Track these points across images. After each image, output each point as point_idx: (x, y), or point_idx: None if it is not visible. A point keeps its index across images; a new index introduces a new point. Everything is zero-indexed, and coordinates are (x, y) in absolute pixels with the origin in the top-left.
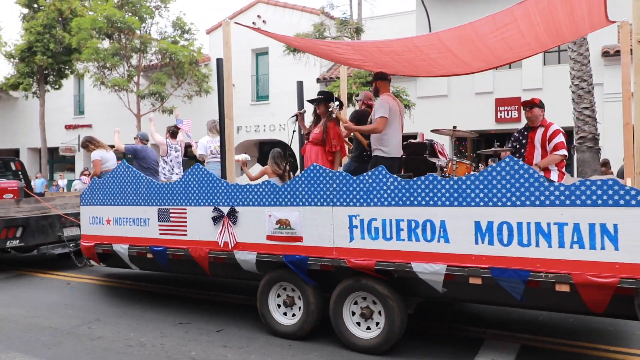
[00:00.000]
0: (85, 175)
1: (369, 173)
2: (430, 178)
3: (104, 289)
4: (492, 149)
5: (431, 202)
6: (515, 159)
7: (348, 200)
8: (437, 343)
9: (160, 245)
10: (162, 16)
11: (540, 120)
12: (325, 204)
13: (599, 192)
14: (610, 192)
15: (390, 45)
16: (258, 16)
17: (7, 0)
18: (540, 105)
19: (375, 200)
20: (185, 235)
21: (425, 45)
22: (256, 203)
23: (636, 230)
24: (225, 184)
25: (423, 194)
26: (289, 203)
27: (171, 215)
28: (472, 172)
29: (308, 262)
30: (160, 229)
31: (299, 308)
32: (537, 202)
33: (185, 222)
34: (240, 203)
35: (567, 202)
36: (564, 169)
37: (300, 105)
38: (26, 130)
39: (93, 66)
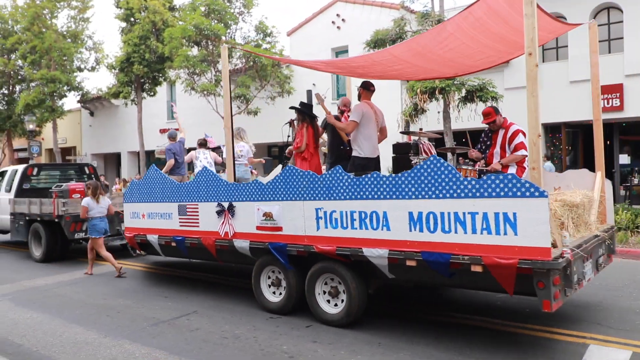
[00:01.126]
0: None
1: (330, 172)
2: (375, 175)
3: (198, 283)
4: (449, 147)
5: (376, 196)
6: (438, 158)
7: (314, 195)
8: (429, 329)
9: (180, 235)
10: (246, 21)
11: (501, 124)
12: (297, 198)
13: (502, 185)
14: (510, 185)
15: (360, 60)
16: (337, 15)
17: (108, 17)
18: (497, 112)
19: (335, 195)
20: (198, 226)
21: (384, 59)
22: (248, 199)
23: (531, 218)
24: (225, 183)
25: (370, 189)
26: (271, 198)
27: (187, 210)
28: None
29: (287, 248)
30: (180, 222)
31: (284, 288)
32: (455, 195)
33: (198, 215)
34: (237, 199)
35: (478, 194)
36: (524, 164)
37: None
38: (126, 135)
39: (184, 73)
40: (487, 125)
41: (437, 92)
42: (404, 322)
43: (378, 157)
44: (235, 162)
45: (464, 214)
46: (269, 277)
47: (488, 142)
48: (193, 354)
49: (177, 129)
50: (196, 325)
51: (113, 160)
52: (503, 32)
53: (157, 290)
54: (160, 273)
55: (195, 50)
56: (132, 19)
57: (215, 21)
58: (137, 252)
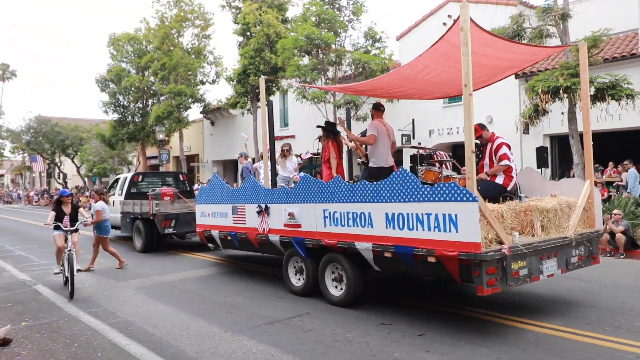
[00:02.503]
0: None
1: (332, 180)
2: (362, 183)
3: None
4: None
5: (363, 200)
6: (404, 170)
7: (322, 199)
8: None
9: (233, 231)
10: (355, 28)
11: (489, 138)
12: (311, 201)
13: (447, 191)
14: (453, 191)
15: (368, 85)
16: (449, 16)
17: (227, 32)
18: (482, 128)
19: (336, 199)
20: (245, 223)
21: (385, 83)
22: (278, 201)
23: (467, 218)
24: (262, 188)
25: (359, 194)
26: (294, 201)
27: (238, 210)
28: (438, 177)
29: (304, 241)
30: (233, 220)
31: (304, 274)
32: (416, 199)
33: (245, 215)
34: (271, 201)
35: (432, 198)
36: (512, 173)
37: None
38: (243, 143)
39: (295, 82)
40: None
41: (561, 91)
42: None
43: (392, 166)
44: (290, 174)
45: (422, 214)
46: (294, 267)
47: (479, 155)
48: (307, 354)
49: (241, 156)
50: (309, 327)
51: (231, 166)
52: (477, 61)
53: (272, 291)
54: (271, 274)
55: (306, 60)
56: (248, 33)
57: (326, 30)
58: (211, 246)
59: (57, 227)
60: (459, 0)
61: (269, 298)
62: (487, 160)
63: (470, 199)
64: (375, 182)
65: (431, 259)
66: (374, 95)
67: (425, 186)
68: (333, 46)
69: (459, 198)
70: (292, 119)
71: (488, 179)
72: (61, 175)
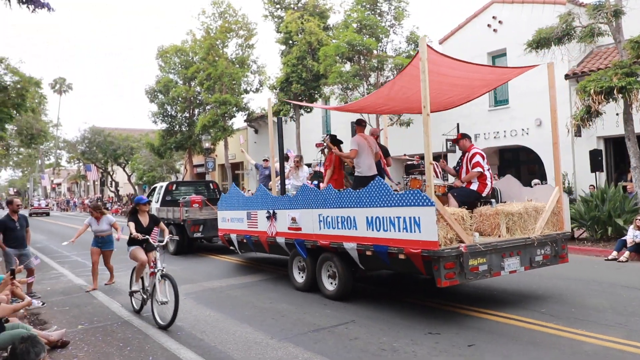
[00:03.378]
0: None
1: (325, 189)
2: (348, 191)
3: (354, 292)
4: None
5: (349, 205)
6: (380, 179)
7: (318, 204)
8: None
9: (248, 234)
10: (397, 33)
11: (466, 148)
12: (309, 207)
13: (412, 197)
14: (417, 197)
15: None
16: (493, 17)
17: (269, 42)
18: (464, 137)
19: (328, 204)
20: (257, 227)
21: (371, 103)
22: (283, 207)
23: (427, 220)
24: (271, 196)
25: (346, 201)
26: (295, 207)
27: (251, 215)
28: (422, 186)
29: (304, 243)
30: (247, 224)
31: (305, 272)
32: (388, 204)
33: (257, 219)
34: (278, 207)
35: (400, 204)
36: (486, 181)
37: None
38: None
39: (337, 88)
40: None
41: (615, 91)
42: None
43: (375, 174)
44: (301, 182)
45: (393, 217)
46: (298, 266)
47: (460, 163)
48: None
49: (265, 160)
50: (355, 335)
51: None
52: (450, 82)
53: (316, 298)
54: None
55: (347, 66)
56: (290, 42)
57: (367, 36)
58: (232, 248)
59: (132, 242)
60: (504, 1)
61: (314, 305)
62: (464, 168)
63: (429, 203)
64: (358, 190)
65: (401, 256)
66: (365, 112)
67: (395, 193)
68: (375, 52)
69: (420, 203)
70: (335, 126)
71: (463, 185)
72: (113, 183)
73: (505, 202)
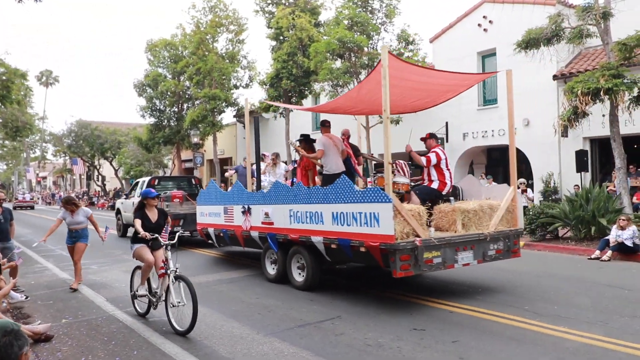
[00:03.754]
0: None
1: (296, 185)
2: (317, 188)
3: (341, 289)
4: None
5: (316, 201)
6: (345, 177)
7: (288, 200)
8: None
9: (225, 229)
10: (388, 31)
11: (431, 147)
12: (280, 202)
13: (372, 195)
14: (376, 195)
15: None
16: (484, 17)
17: (260, 37)
18: (431, 137)
19: (298, 200)
20: (233, 222)
21: (343, 104)
22: (257, 202)
23: (385, 216)
24: (246, 192)
25: (314, 197)
26: (269, 202)
27: (228, 210)
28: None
29: (276, 236)
30: (224, 219)
31: (277, 265)
32: (351, 201)
33: (233, 214)
34: (252, 203)
35: (362, 200)
36: (446, 180)
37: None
38: (275, 146)
39: (328, 85)
40: None
41: (602, 92)
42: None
43: (342, 172)
44: (279, 179)
45: (356, 213)
46: (270, 258)
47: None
48: (338, 357)
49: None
50: (341, 330)
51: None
52: (412, 86)
53: (303, 294)
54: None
55: (338, 63)
56: (281, 38)
57: (358, 33)
58: (210, 242)
59: (137, 240)
60: (495, 1)
61: (301, 301)
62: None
63: (387, 200)
64: (325, 187)
65: (362, 249)
66: (336, 113)
67: (357, 190)
68: (365, 49)
69: (379, 200)
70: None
71: (433, 186)
72: (100, 177)
73: (465, 200)
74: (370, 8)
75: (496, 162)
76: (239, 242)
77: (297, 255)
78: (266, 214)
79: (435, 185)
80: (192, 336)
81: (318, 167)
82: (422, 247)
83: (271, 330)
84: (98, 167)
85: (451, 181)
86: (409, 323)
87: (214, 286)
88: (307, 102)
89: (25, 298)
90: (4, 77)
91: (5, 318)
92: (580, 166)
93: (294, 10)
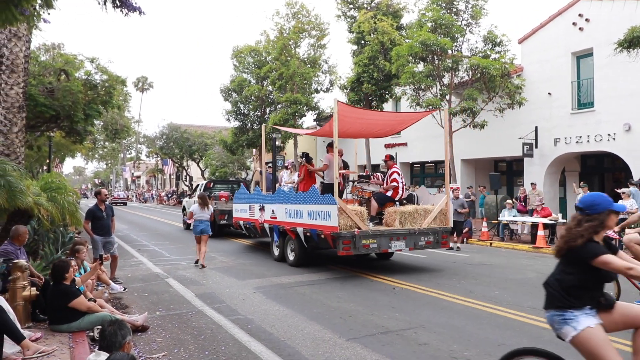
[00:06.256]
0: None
1: (289, 191)
2: (300, 193)
3: (423, 297)
4: (366, 179)
5: (300, 202)
6: (314, 187)
7: (285, 201)
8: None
9: (249, 221)
10: (473, 32)
11: (389, 166)
12: (281, 202)
13: (327, 199)
14: (328, 199)
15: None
16: (579, 15)
17: (341, 42)
18: (390, 159)
19: (291, 201)
20: (254, 216)
21: (331, 130)
22: (268, 202)
23: (333, 213)
24: (262, 194)
25: (299, 199)
26: (274, 202)
27: (251, 207)
28: (358, 190)
29: (278, 227)
30: (249, 214)
31: (279, 248)
32: (317, 202)
33: (254, 210)
34: (265, 202)
35: (322, 202)
36: (399, 189)
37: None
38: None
39: (409, 89)
40: None
41: None
42: None
43: (339, 182)
44: (294, 183)
45: (320, 211)
46: (275, 244)
47: (384, 176)
48: None
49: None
50: (424, 340)
51: None
52: (368, 122)
53: (385, 300)
54: (385, 283)
55: (421, 66)
56: (362, 42)
57: (442, 35)
58: (244, 232)
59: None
60: None
61: (382, 307)
62: (386, 181)
63: (334, 202)
64: (308, 192)
65: (322, 236)
66: (327, 136)
67: (320, 195)
68: (450, 52)
69: (330, 202)
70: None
71: (387, 194)
72: (188, 177)
73: (420, 204)
74: (455, 9)
75: (591, 170)
76: (257, 231)
77: (290, 241)
78: (273, 211)
79: (389, 193)
80: (276, 336)
81: (320, 179)
82: (359, 235)
83: (353, 335)
84: (186, 167)
85: (403, 190)
86: (497, 338)
87: (296, 287)
88: (388, 106)
89: (124, 289)
90: (106, 84)
91: (106, 311)
92: None
93: (376, 14)
